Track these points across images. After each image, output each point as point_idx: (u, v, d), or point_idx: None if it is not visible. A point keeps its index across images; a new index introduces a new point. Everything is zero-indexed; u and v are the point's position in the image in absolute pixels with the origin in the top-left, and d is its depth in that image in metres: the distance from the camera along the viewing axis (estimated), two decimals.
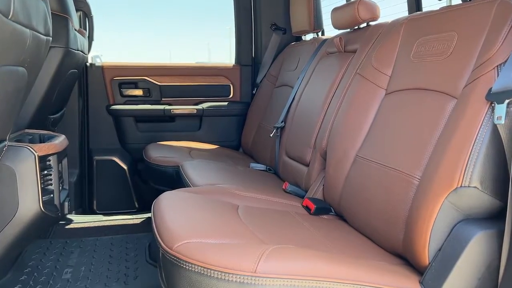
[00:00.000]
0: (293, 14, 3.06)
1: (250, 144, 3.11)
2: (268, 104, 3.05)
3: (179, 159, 2.56)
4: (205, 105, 3.34)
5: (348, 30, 2.39)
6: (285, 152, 2.44)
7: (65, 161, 2.04)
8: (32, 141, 1.91)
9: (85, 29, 3.06)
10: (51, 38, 1.67)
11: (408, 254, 1.27)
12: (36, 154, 1.69)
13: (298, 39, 3.31)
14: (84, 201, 3.17)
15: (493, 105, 1.13)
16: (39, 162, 1.71)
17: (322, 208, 1.77)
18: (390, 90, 1.66)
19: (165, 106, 3.28)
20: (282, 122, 2.56)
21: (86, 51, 2.83)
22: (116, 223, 2.86)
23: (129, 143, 3.26)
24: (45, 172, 1.79)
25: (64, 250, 2.37)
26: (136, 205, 3.23)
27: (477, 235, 1.10)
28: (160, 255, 1.21)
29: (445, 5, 1.64)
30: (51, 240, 2.48)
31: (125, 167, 3.19)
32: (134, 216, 3.02)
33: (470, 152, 1.13)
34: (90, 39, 3.15)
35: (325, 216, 1.76)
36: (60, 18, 2.10)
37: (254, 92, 3.41)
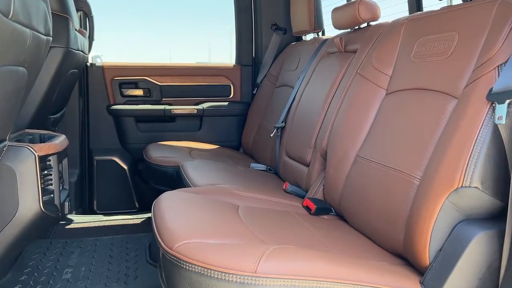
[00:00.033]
0: (293, 14, 3.05)
1: (251, 144, 3.11)
2: (268, 104, 3.04)
3: (180, 159, 2.56)
4: (205, 105, 3.34)
5: (349, 30, 2.39)
6: (285, 152, 2.44)
7: (65, 161, 2.04)
8: (32, 141, 1.91)
9: (86, 29, 3.06)
10: (51, 38, 1.67)
11: (409, 254, 1.27)
12: (36, 154, 1.69)
13: (299, 39, 3.31)
14: (85, 201, 3.17)
15: (494, 105, 1.13)
16: (39, 162, 1.71)
17: (323, 208, 1.77)
18: (391, 90, 1.66)
19: (165, 106, 3.27)
20: (282, 122, 2.55)
21: (86, 51, 2.83)
22: (116, 223, 2.86)
23: (129, 143, 3.26)
24: (45, 172, 1.79)
25: (64, 250, 2.37)
26: (137, 205, 3.23)
27: (478, 235, 1.10)
28: (160, 255, 1.21)
29: (446, 5, 1.64)
30: (51, 240, 2.48)
31: (125, 167, 3.19)
32: (134, 216, 3.02)
33: (471, 152, 1.13)
34: (91, 39, 3.15)
35: (325, 216, 1.76)
36: (60, 18, 2.09)
37: (254, 92, 3.40)
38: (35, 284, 2.00)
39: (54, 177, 1.83)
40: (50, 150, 1.81)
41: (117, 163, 3.18)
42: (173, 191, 1.68)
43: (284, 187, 2.13)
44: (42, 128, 2.15)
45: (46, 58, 1.88)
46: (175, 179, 2.49)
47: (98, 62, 3.26)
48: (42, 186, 1.73)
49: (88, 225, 2.81)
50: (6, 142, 1.60)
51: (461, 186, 1.13)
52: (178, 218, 1.36)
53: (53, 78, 2.11)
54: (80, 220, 2.87)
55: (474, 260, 1.10)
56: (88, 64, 3.17)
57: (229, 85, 3.43)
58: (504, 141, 1.09)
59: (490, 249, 1.10)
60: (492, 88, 1.15)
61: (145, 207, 3.18)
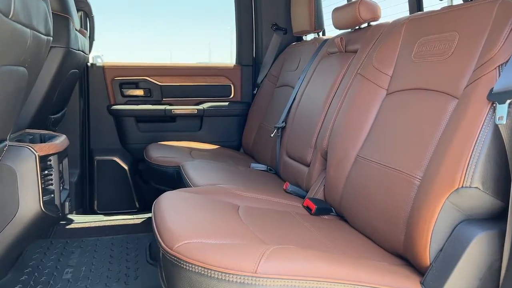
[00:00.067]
0: (294, 14, 3.05)
1: (251, 144, 3.11)
2: (269, 104, 3.04)
3: (180, 159, 2.56)
4: (206, 105, 3.34)
5: (349, 30, 2.39)
6: (285, 152, 2.44)
7: (65, 161, 2.04)
8: (32, 141, 1.91)
9: (86, 29, 3.06)
10: (51, 38, 1.67)
11: (409, 255, 1.27)
12: (36, 154, 1.69)
13: (299, 39, 3.31)
14: (85, 201, 3.17)
15: (494, 105, 1.12)
16: (40, 162, 1.70)
17: (323, 208, 1.77)
18: (391, 90, 1.66)
19: (166, 106, 3.28)
20: (283, 122, 2.55)
21: (87, 51, 2.83)
22: (117, 223, 2.86)
23: (130, 143, 3.26)
24: (46, 172, 1.79)
25: (65, 250, 2.37)
26: (137, 205, 3.23)
27: (478, 236, 1.10)
28: (161, 255, 1.21)
29: (446, 5, 1.64)
30: (52, 240, 2.48)
31: (126, 167, 3.19)
32: (135, 216, 3.02)
33: (472, 153, 1.13)
34: (91, 39, 3.15)
35: (325, 217, 1.76)
36: (61, 18, 2.09)
37: (255, 92, 3.40)
38: (36, 284, 2.00)
39: (54, 177, 1.83)
40: (51, 150, 1.81)
41: (118, 163, 3.18)
42: (174, 191, 1.68)
43: (284, 187, 2.13)
44: (43, 128, 2.15)
45: (47, 58, 1.88)
46: (175, 179, 2.49)
47: (99, 62, 3.26)
48: (43, 186, 1.73)
49: (89, 225, 2.81)
50: (7, 142, 1.60)
51: (462, 187, 1.13)
52: (178, 218, 1.36)
53: (54, 78, 2.12)
54: (80, 220, 2.87)
55: (475, 260, 1.10)
56: (89, 64, 3.17)
57: (230, 85, 3.43)
58: (504, 141, 1.08)
59: (491, 250, 1.10)
60: (492, 88, 1.15)
61: (146, 207, 3.19)
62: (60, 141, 1.93)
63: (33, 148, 1.69)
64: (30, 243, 2.31)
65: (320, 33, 2.98)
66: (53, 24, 1.68)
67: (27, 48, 1.39)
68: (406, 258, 1.31)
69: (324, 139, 2.00)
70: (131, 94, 3.27)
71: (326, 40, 2.63)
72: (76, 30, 2.30)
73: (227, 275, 1.03)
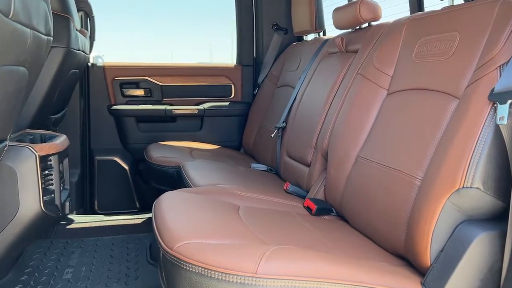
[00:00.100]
0: (294, 14, 3.05)
1: (251, 144, 3.11)
2: (269, 105, 3.04)
3: (180, 159, 2.56)
4: (206, 105, 3.34)
5: (350, 30, 2.38)
6: (286, 152, 2.43)
7: (66, 161, 2.04)
8: (33, 141, 1.91)
9: (87, 29, 3.06)
10: (52, 38, 1.67)
11: (410, 255, 1.27)
12: (37, 154, 1.69)
13: (300, 39, 3.31)
14: (85, 201, 3.17)
15: (495, 105, 1.12)
16: (40, 162, 1.70)
17: (323, 208, 1.77)
18: (392, 90, 1.65)
19: (166, 106, 3.27)
20: (283, 122, 2.55)
21: (87, 51, 2.83)
22: (117, 223, 2.86)
23: (130, 143, 3.26)
24: (46, 172, 1.79)
25: (65, 250, 2.37)
26: (137, 205, 3.23)
27: (479, 236, 1.10)
28: (161, 255, 1.21)
29: (447, 5, 1.64)
30: (52, 240, 2.48)
31: (126, 167, 3.19)
32: (135, 216, 3.02)
33: (472, 153, 1.13)
34: (92, 39, 3.15)
35: (326, 217, 1.75)
36: (61, 18, 2.09)
37: (255, 92, 3.40)
38: (36, 284, 2.00)
39: (54, 177, 1.83)
40: (51, 150, 1.81)
41: (118, 163, 3.18)
42: (174, 191, 1.68)
43: (285, 188, 2.13)
44: (43, 128, 2.15)
45: (47, 58, 1.88)
46: (176, 179, 2.49)
47: (99, 62, 3.26)
48: (43, 186, 1.73)
49: (89, 225, 2.81)
50: (7, 142, 1.59)
51: (463, 187, 1.12)
52: (178, 218, 1.35)
53: (54, 78, 2.11)
54: (81, 220, 2.87)
55: (476, 261, 1.10)
56: (89, 64, 3.17)
57: (230, 85, 3.43)
58: (505, 141, 1.08)
59: (492, 250, 1.10)
60: (493, 88, 1.15)
61: (146, 207, 3.19)
62: (61, 141, 1.93)
63: (33, 148, 1.69)
64: (31, 243, 2.31)
65: (321, 33, 2.98)
66: (53, 24, 1.68)
67: (27, 48, 1.39)
68: (407, 259, 1.31)
69: (324, 139, 1.99)
70: (131, 94, 3.27)
71: (327, 40, 2.62)
72: (76, 30, 2.30)
73: (227, 276, 1.03)
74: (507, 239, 1.06)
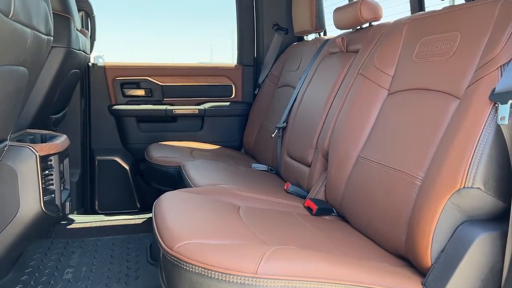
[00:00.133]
0: (295, 14, 3.05)
1: (252, 144, 3.10)
2: (270, 105, 3.04)
3: (181, 159, 2.55)
4: (207, 105, 3.33)
5: (350, 30, 2.38)
6: (286, 152, 2.43)
7: (66, 161, 2.04)
8: (33, 141, 1.91)
9: (87, 29, 3.06)
10: (52, 38, 1.67)
11: (410, 256, 1.27)
12: (37, 154, 1.69)
13: (300, 39, 3.31)
14: (86, 201, 3.17)
15: (496, 105, 1.12)
16: (41, 162, 1.70)
17: (324, 208, 1.77)
18: (393, 90, 1.65)
19: (167, 106, 3.27)
20: (284, 122, 2.55)
21: (88, 51, 2.83)
22: (118, 223, 2.85)
23: (131, 143, 3.25)
24: (46, 172, 1.79)
25: (66, 250, 2.37)
26: (138, 205, 3.23)
27: (480, 237, 1.09)
28: (161, 255, 1.21)
29: (448, 5, 1.63)
30: (53, 240, 2.48)
31: (127, 167, 3.19)
32: (136, 216, 3.01)
33: (473, 153, 1.12)
34: (92, 39, 3.15)
35: (327, 217, 1.75)
36: (62, 18, 2.09)
37: (256, 92, 3.40)
38: (36, 284, 2.00)
39: (55, 177, 1.83)
40: (51, 150, 1.81)
41: (119, 163, 3.18)
42: (174, 191, 1.68)
43: (285, 188, 2.12)
44: (44, 128, 2.15)
45: (48, 58, 1.88)
46: (176, 179, 2.49)
47: (100, 62, 3.26)
48: (43, 186, 1.73)
49: (90, 225, 2.80)
50: (7, 142, 1.59)
51: (464, 187, 1.12)
52: (178, 218, 1.35)
53: (55, 78, 2.11)
54: (81, 220, 2.87)
55: (477, 261, 1.10)
56: (90, 64, 3.17)
57: (231, 85, 3.43)
58: (506, 141, 1.08)
59: (493, 251, 1.10)
60: (494, 88, 1.14)
61: (147, 207, 3.19)
62: (61, 141, 1.93)
63: (33, 148, 1.69)
64: (31, 243, 2.31)
65: (321, 33, 2.97)
66: (54, 24, 1.68)
67: (27, 48, 1.39)
68: (408, 259, 1.30)
69: (325, 139, 1.99)
70: (132, 94, 3.27)
71: (327, 40, 2.62)
72: (77, 30, 2.30)
73: (227, 276, 1.02)
74: (508, 239, 1.06)
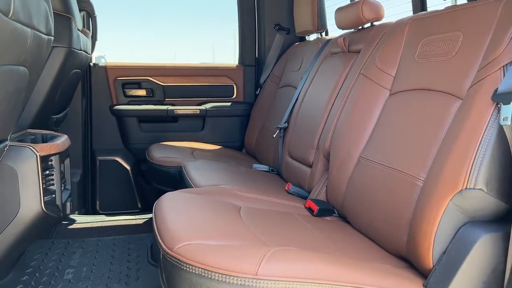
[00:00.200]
0: (296, 15, 3.04)
1: (253, 144, 3.10)
2: (271, 105, 3.03)
3: (182, 160, 2.55)
4: (208, 106, 3.33)
5: (352, 30, 2.37)
6: (288, 153, 2.43)
7: (67, 161, 2.03)
8: (34, 141, 1.91)
9: (89, 29, 3.06)
10: (52, 38, 1.67)
11: (412, 257, 1.26)
12: (38, 154, 1.68)
13: (302, 39, 3.30)
14: (87, 201, 3.17)
15: (499, 105, 1.11)
16: (41, 162, 1.70)
17: (325, 209, 1.76)
18: (394, 90, 1.64)
19: (168, 106, 3.27)
20: (285, 122, 2.54)
21: (89, 51, 2.83)
22: (119, 224, 2.85)
23: (132, 143, 3.25)
24: (47, 172, 1.79)
25: (66, 250, 2.37)
26: (139, 206, 3.23)
27: (482, 238, 1.09)
28: (161, 256, 1.20)
29: (450, 4, 1.62)
30: (53, 240, 2.48)
31: (128, 167, 3.19)
32: (137, 217, 3.01)
33: (476, 154, 1.12)
34: (94, 39, 3.15)
35: (328, 218, 1.75)
36: (62, 18, 2.09)
37: (257, 92, 3.40)
38: (37, 284, 1.99)
39: (55, 177, 1.83)
40: (52, 150, 1.80)
41: (120, 163, 3.18)
42: (175, 191, 1.68)
43: (286, 188, 2.12)
44: (45, 128, 2.15)
45: (48, 58, 1.88)
46: (177, 180, 2.49)
47: (102, 62, 3.26)
48: (44, 186, 1.73)
49: (90, 226, 2.80)
50: (7, 142, 1.59)
51: (466, 188, 1.11)
52: (179, 219, 1.35)
53: (56, 78, 2.11)
54: (82, 220, 2.87)
55: (479, 263, 1.09)
56: (91, 64, 3.17)
57: (232, 85, 3.43)
58: (509, 142, 1.07)
59: (495, 252, 1.09)
60: (497, 89, 1.14)
61: (148, 208, 3.18)
62: (62, 141, 1.93)
63: (34, 148, 1.69)
64: (32, 243, 2.31)
65: (323, 33, 2.97)
66: (55, 24, 1.67)
67: (28, 48, 1.38)
68: (409, 260, 1.30)
69: (326, 140, 1.98)
70: (133, 94, 3.27)
71: (329, 40, 2.61)
72: (78, 30, 2.30)
73: (228, 277, 1.02)
74: (510, 241, 1.05)
